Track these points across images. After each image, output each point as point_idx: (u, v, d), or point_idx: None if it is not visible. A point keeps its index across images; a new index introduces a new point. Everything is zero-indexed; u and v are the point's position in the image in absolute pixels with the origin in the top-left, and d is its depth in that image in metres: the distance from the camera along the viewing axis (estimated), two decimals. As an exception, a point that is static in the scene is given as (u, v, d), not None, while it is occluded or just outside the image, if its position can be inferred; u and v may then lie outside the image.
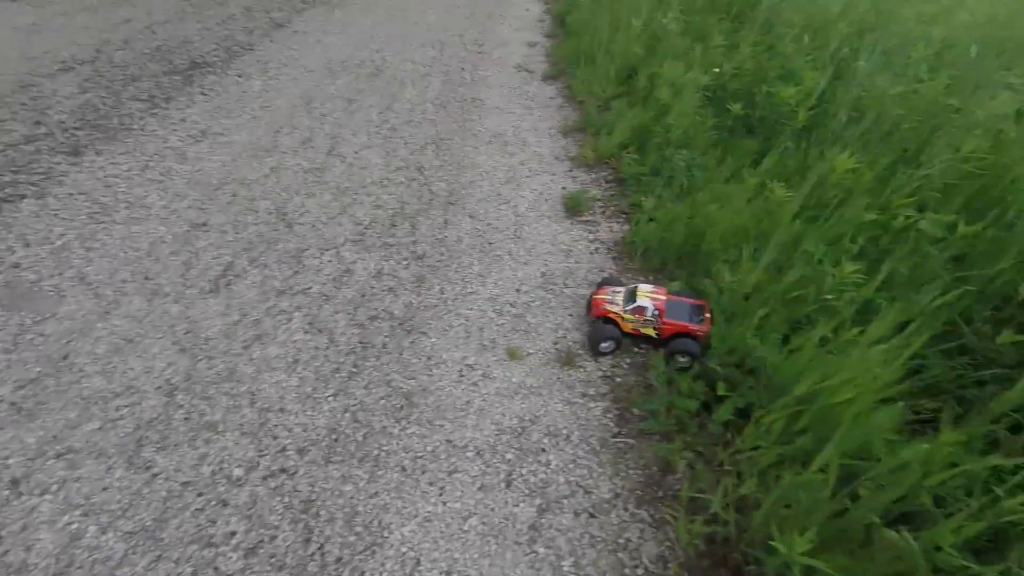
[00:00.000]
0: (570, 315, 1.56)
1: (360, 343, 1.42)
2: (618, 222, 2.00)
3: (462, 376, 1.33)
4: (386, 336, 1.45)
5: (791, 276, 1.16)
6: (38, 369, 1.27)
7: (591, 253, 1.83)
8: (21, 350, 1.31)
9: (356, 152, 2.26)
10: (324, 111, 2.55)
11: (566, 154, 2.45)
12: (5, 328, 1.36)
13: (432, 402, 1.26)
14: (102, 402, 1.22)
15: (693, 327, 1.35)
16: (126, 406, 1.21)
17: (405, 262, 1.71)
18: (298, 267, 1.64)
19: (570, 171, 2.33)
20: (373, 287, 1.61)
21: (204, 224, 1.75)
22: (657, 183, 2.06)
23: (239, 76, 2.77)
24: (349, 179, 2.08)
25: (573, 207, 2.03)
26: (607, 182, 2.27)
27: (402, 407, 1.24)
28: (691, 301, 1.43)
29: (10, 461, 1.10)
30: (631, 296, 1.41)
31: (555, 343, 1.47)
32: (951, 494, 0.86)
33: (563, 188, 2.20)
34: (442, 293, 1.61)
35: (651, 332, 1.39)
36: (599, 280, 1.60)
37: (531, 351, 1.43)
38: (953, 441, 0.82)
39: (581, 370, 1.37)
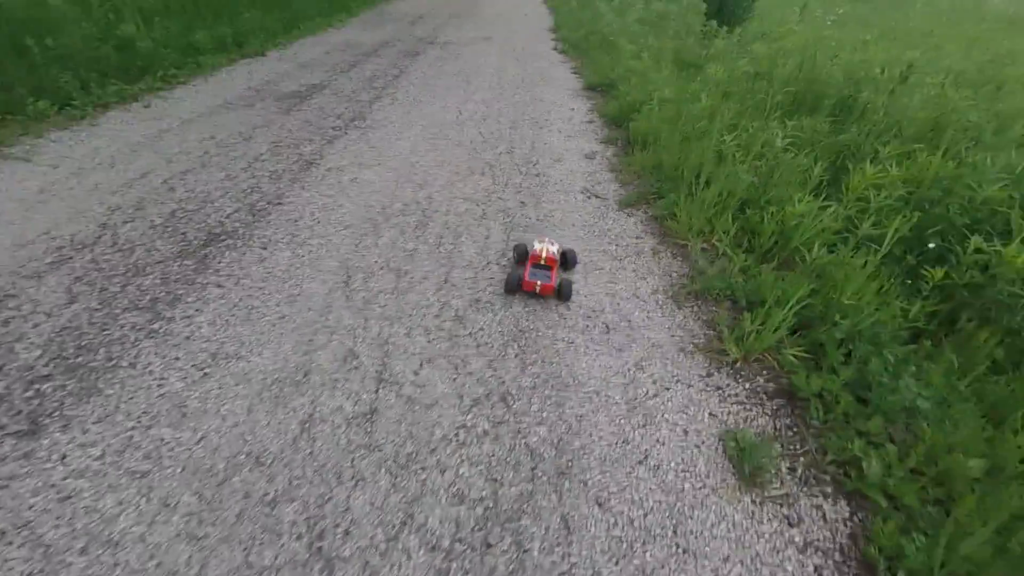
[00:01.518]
0: None
1: None
2: (831, 498, 1.24)
3: None
4: None
5: None
6: None
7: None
8: None
9: (415, 373, 1.58)
10: (368, 296, 1.92)
11: (693, 343, 1.73)
12: None
13: None
14: None
15: None
16: None
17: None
18: None
19: (709, 377, 1.60)
20: None
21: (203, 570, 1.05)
22: (867, 416, 1.31)
23: (263, 248, 2.18)
24: (410, 434, 1.38)
25: (748, 466, 1.29)
26: (769, 398, 1.53)
27: None
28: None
29: None
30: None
31: None
32: None
33: (711, 415, 1.46)
34: None
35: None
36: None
37: None
38: None
39: None
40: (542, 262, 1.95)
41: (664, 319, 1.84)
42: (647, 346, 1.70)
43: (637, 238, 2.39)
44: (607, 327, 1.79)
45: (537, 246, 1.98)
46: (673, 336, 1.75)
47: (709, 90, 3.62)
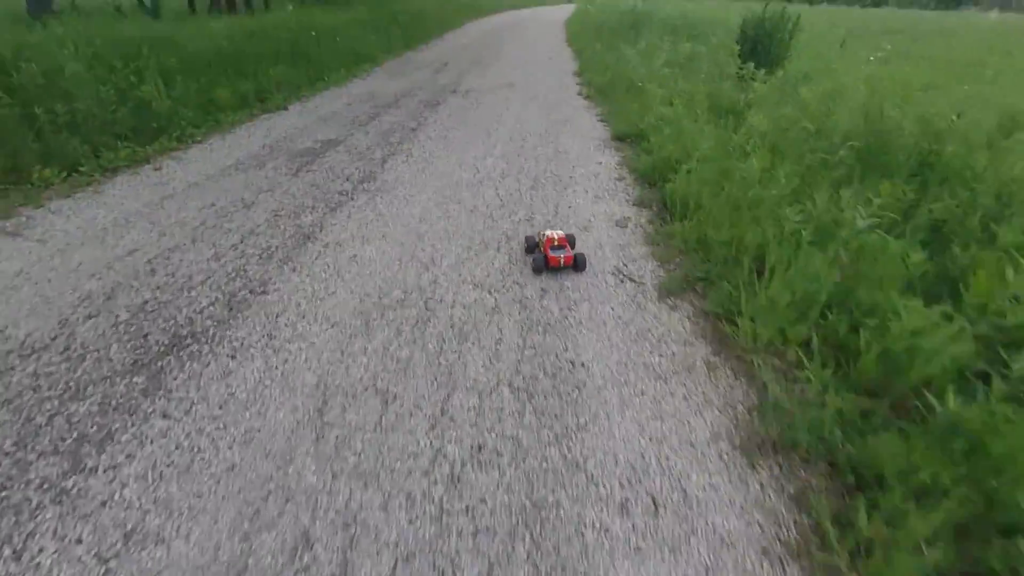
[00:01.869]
0: None
1: None
2: None
3: None
4: None
5: None
6: None
7: None
8: None
9: (387, 582, 1.11)
10: (343, 435, 1.48)
11: (782, 543, 1.19)
12: None
13: None
14: None
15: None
16: None
17: None
18: None
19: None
20: None
21: None
22: None
23: (231, 356, 1.79)
24: None
25: None
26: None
27: None
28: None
29: None
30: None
31: None
32: None
33: None
34: None
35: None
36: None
37: None
38: None
39: None
40: (555, 243, 2.30)
41: (733, 489, 1.31)
42: (715, 543, 1.18)
43: (685, 344, 1.88)
44: (654, 502, 1.28)
45: (548, 232, 2.34)
46: (750, 526, 1.22)
47: (755, 144, 3.13)
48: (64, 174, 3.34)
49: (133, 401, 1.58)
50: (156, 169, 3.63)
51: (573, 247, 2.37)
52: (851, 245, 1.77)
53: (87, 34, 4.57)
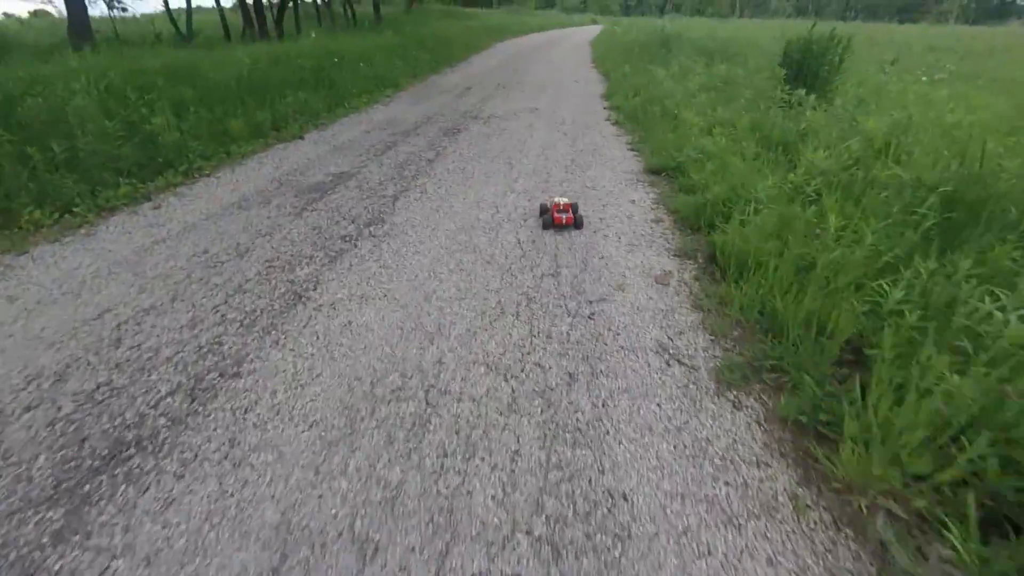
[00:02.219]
0: None
1: None
2: None
3: None
4: None
5: None
6: None
7: None
8: None
9: None
10: (299, 618, 1.07)
11: None
12: None
13: None
14: None
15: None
16: None
17: None
18: None
19: None
20: None
21: None
22: None
23: (179, 475, 1.41)
24: None
25: None
26: None
27: None
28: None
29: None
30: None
31: None
32: None
33: None
34: None
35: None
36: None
37: None
38: None
39: None
40: (561, 207, 2.83)
41: None
42: None
43: (760, 466, 1.42)
44: None
45: (556, 199, 2.88)
46: None
47: (818, 186, 2.67)
48: (56, 215, 3.11)
49: (38, 552, 1.21)
50: (155, 208, 3.38)
51: (576, 212, 2.88)
52: (1008, 352, 1.28)
53: (102, 66, 4.45)
